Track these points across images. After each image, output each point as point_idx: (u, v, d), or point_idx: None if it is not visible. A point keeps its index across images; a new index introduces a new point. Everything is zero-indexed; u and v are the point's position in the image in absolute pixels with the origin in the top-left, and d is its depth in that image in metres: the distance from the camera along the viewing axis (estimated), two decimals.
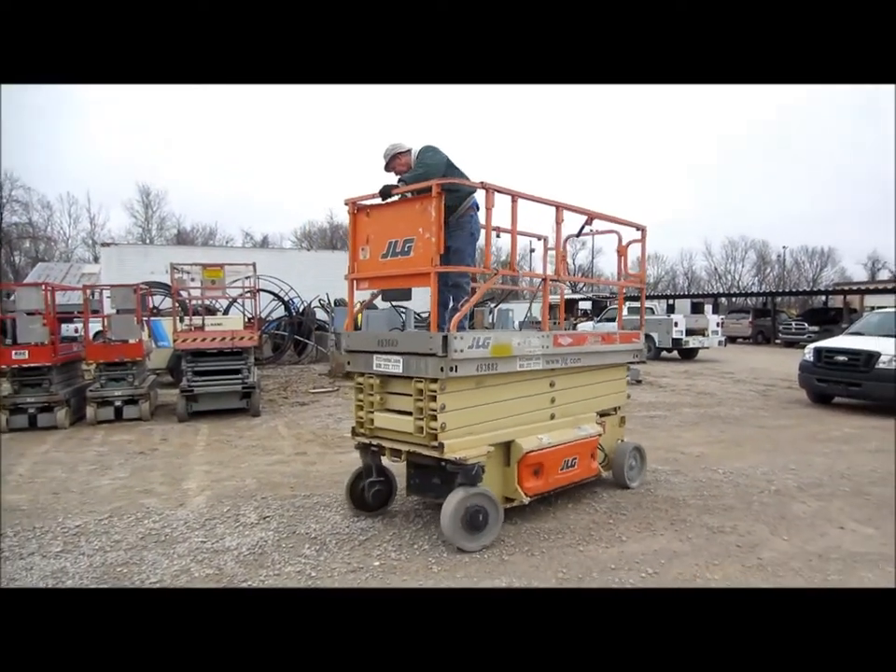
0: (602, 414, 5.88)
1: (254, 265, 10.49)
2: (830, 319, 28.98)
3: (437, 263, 4.22)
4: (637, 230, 6.22)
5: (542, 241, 6.57)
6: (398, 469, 5.22)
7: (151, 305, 14.59)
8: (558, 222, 5.25)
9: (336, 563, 4.17)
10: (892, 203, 74.17)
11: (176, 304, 10.74)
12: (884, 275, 64.50)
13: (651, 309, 23.15)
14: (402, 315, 17.90)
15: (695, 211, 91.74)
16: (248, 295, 11.34)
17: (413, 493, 5.03)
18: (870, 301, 42.36)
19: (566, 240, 6.07)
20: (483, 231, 4.90)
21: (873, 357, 10.44)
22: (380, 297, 5.31)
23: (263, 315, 17.72)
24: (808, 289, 50.02)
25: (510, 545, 4.44)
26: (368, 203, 4.84)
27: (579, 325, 23.74)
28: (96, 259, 41.34)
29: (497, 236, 5.21)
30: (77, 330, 16.73)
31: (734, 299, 50.22)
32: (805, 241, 77.70)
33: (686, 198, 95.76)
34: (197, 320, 11.22)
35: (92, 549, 4.47)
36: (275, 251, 33.60)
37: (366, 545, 4.48)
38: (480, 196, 4.76)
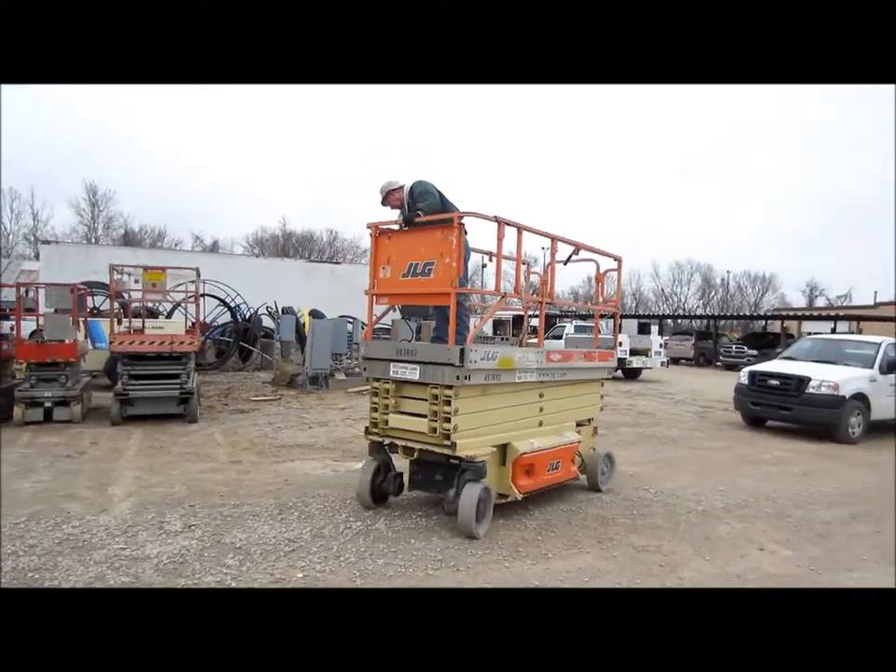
0: (579, 424, 6.52)
1: (197, 269, 10.29)
2: (768, 343, 30.08)
3: (456, 285, 4.83)
4: (615, 260, 6.82)
5: (526, 265, 7.16)
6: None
7: (91, 306, 14.14)
8: (553, 252, 5.89)
9: (258, 573, 4.09)
10: (829, 231, 77.76)
11: (115, 306, 10.43)
12: (821, 302, 67.42)
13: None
14: (350, 323, 17.76)
15: (644, 232, 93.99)
16: (191, 299, 11.11)
17: (416, 488, 5.52)
18: (807, 326, 44.31)
19: (550, 266, 6.51)
20: (472, 256, 5.73)
21: (803, 381, 10.86)
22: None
23: (208, 321, 17.37)
24: (749, 314, 51.90)
25: (436, 560, 4.43)
26: (388, 227, 5.51)
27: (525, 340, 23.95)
28: (38, 257, 39.87)
29: (491, 259, 5.67)
30: (12, 328, 16.08)
31: (678, 320, 51.61)
32: (747, 266, 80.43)
33: (636, 218, 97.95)
34: (137, 323, 10.93)
35: (4, 553, 4.28)
36: (224, 256, 33.14)
37: (291, 556, 4.40)
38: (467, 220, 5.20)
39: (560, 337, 20.63)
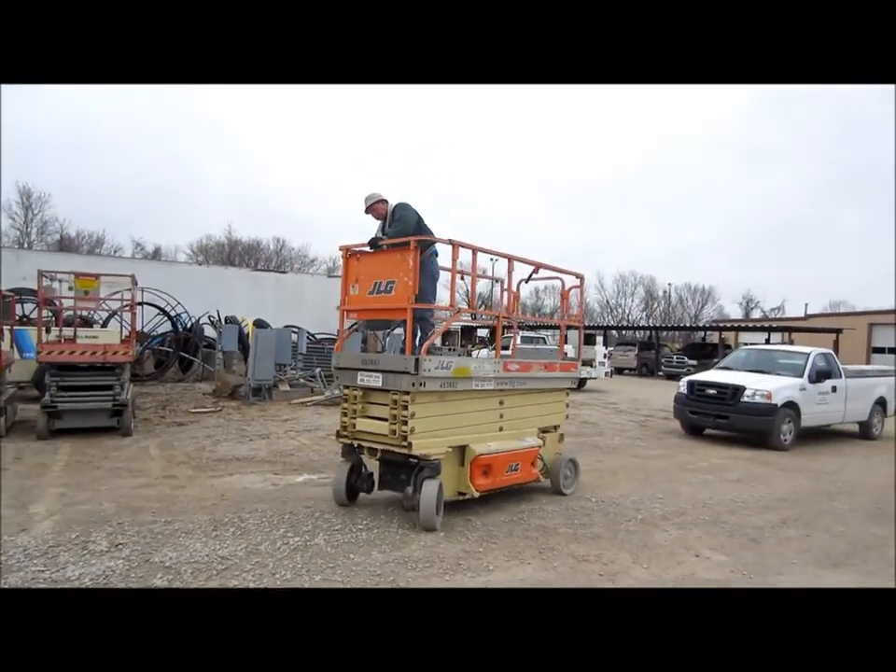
0: (543, 430, 6.92)
1: (133, 277, 9.92)
2: (707, 354, 31.01)
3: (412, 301, 5.37)
4: (576, 277, 7.35)
5: (499, 283, 7.34)
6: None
7: (21, 314, 13.50)
8: (509, 271, 6.41)
9: None
10: (764, 244, 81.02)
11: (43, 314, 9.96)
12: (757, 314, 70.14)
13: (544, 339, 23.88)
14: (295, 333, 17.51)
15: (590, 243, 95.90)
16: (127, 308, 10.71)
17: (384, 487, 5.96)
18: (743, 337, 46.00)
19: (518, 283, 7.15)
20: (442, 274, 6.19)
21: (738, 390, 11.21)
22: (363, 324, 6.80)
23: (147, 330, 16.81)
24: (689, 325, 53.53)
25: (375, 575, 4.34)
26: (358, 249, 6.04)
27: (474, 351, 24.06)
28: None
29: (462, 278, 6.12)
30: None
31: (622, 331, 52.81)
32: (688, 278, 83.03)
33: (582, 230, 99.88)
34: (69, 332, 10.46)
35: None
36: (165, 264, 32.14)
37: (224, 574, 4.24)
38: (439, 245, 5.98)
39: (506, 348, 20.72)
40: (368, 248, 6.01)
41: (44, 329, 9.56)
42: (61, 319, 10.92)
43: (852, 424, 12.97)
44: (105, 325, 15.19)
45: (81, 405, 9.05)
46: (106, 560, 4.42)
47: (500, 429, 6.28)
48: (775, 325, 38.12)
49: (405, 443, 5.24)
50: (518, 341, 23.22)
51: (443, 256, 6.13)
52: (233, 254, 60.73)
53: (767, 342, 32.26)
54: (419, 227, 6.11)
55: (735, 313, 72.69)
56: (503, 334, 6.74)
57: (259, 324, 17.41)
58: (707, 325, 53.02)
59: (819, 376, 11.83)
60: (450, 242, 5.56)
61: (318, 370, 15.16)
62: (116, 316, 14.28)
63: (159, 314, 17.36)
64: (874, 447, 12.14)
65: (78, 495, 6.12)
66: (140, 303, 11.14)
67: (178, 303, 18.02)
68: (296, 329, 16.58)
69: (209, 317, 18.44)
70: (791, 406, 11.19)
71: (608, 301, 75.84)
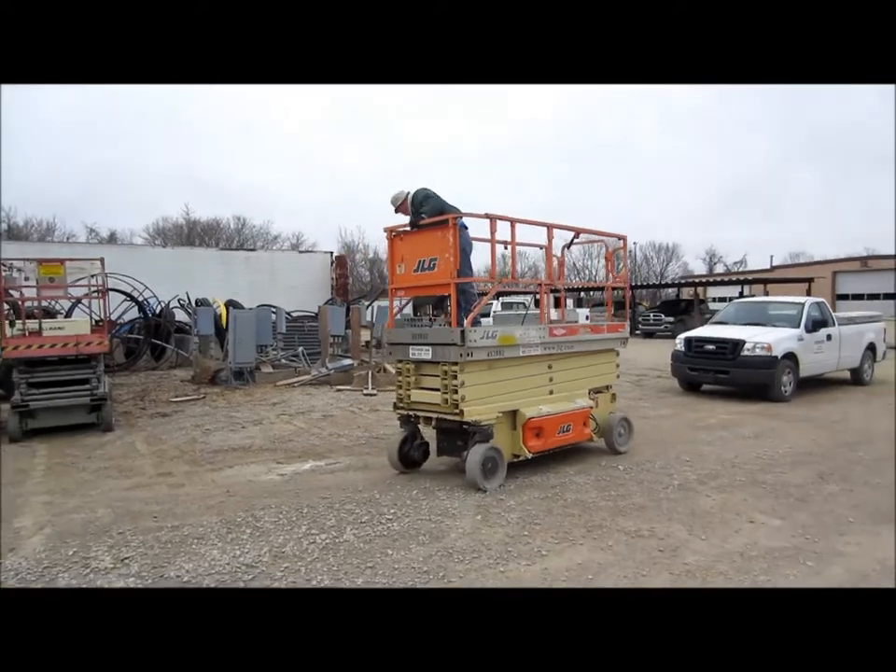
0: (595, 391, 7.10)
1: (102, 260, 9.17)
2: (683, 310, 30.92)
3: (455, 276, 5.62)
4: (619, 239, 7.49)
5: (544, 249, 7.06)
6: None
7: None
8: (549, 238, 6.48)
9: None
10: (722, 209, 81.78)
11: (6, 307, 9.15)
12: (720, 269, 70.93)
13: (524, 304, 23.57)
14: (273, 313, 16.86)
15: (551, 207, 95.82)
16: (95, 295, 9.93)
17: (442, 454, 6.25)
18: (711, 292, 46.39)
19: (562, 249, 7.42)
20: (480, 245, 6.25)
21: (738, 344, 11.00)
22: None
23: (114, 318, 15.91)
24: (657, 283, 53.79)
25: (421, 572, 3.91)
26: (402, 230, 6.32)
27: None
28: None
29: (505, 248, 6.09)
30: None
31: (592, 294, 52.92)
32: (652, 238, 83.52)
33: (545, 193, 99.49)
34: (33, 324, 9.66)
35: None
36: (127, 247, 30.35)
37: (253, 585, 3.76)
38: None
39: (488, 315, 20.33)
40: (409, 228, 6.27)
41: (7, 323, 8.78)
42: (23, 311, 10.08)
43: (844, 371, 12.94)
44: (69, 314, 14.28)
45: (56, 402, 8.36)
46: (114, 578, 3.90)
47: (551, 392, 6.48)
48: (750, 278, 38.32)
49: (457, 411, 5.50)
50: (498, 307, 22.99)
51: (475, 230, 6.27)
52: (193, 234, 58.68)
53: (741, 295, 32.44)
54: (446, 205, 6.35)
55: (698, 269, 73.46)
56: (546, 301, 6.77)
57: (233, 304, 16.63)
58: (676, 281, 53.39)
59: (816, 325, 11.72)
60: (486, 216, 5.69)
61: (301, 348, 14.54)
62: (81, 305, 13.42)
63: (125, 300, 16.42)
64: (867, 392, 12.16)
65: (67, 502, 5.54)
66: (108, 290, 10.34)
67: (146, 288, 17.09)
68: (274, 309, 15.87)
69: (179, 301, 17.56)
70: (791, 357, 11.05)
71: (574, 264, 75.85)
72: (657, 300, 49.34)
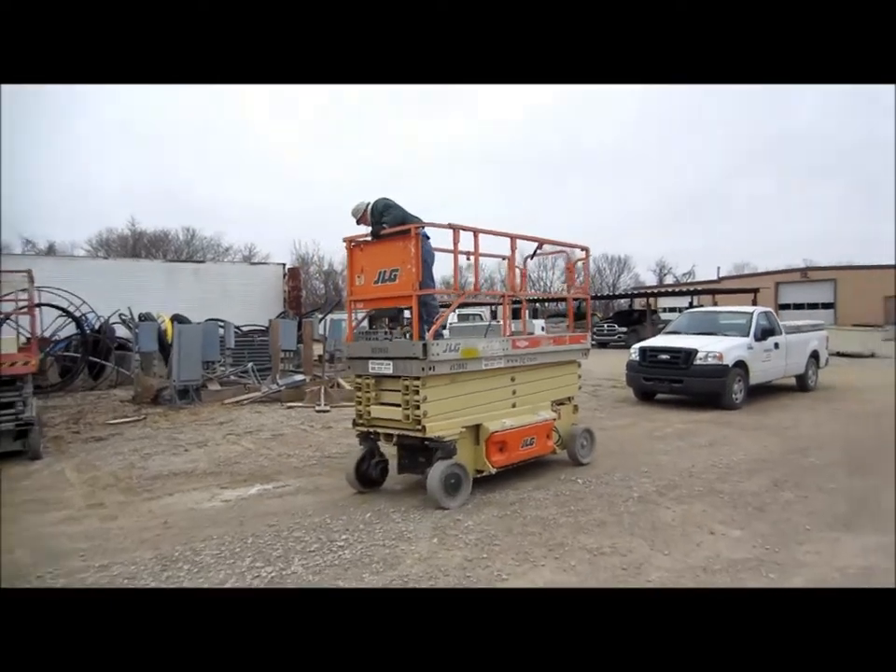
0: (558, 403, 7.04)
1: (29, 272, 8.61)
2: (635, 320, 31.44)
3: (417, 288, 5.46)
4: (582, 250, 7.51)
5: (506, 260, 6.93)
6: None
7: None
8: (512, 249, 6.44)
9: None
10: (672, 219, 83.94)
11: None
12: (669, 279, 72.61)
13: (480, 315, 23.52)
14: (221, 327, 16.21)
15: (509, 218, 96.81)
16: (24, 310, 9.34)
17: (403, 471, 6.04)
18: (662, 302, 47.37)
19: (525, 260, 7.48)
20: (442, 257, 6.14)
21: (691, 354, 11.09)
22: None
23: (48, 335, 15.10)
24: (610, 294, 54.62)
25: None
26: (361, 240, 6.11)
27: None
28: None
29: (468, 259, 6.07)
30: None
31: (547, 304, 53.42)
32: (604, 249, 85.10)
33: (498, 205, 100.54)
34: None
35: None
36: (65, 259, 28.87)
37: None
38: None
39: (445, 327, 20.16)
40: (370, 238, 6.06)
41: None
42: None
43: (789, 378, 13.23)
44: None
45: None
46: None
47: (513, 406, 6.36)
48: (700, 288, 39.27)
49: (419, 427, 5.33)
50: (454, 319, 22.80)
51: (437, 240, 6.11)
52: (139, 246, 56.91)
53: (691, 305, 33.15)
54: (407, 215, 6.15)
55: (649, 279, 75.03)
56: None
57: (179, 319, 15.99)
58: (628, 292, 54.33)
59: (764, 334, 11.95)
60: (450, 226, 5.55)
61: (251, 364, 14.05)
62: (9, 321, 12.68)
63: (61, 315, 15.59)
64: (812, 398, 12.45)
65: None
66: (38, 305, 9.76)
67: (83, 302, 16.28)
68: (222, 323, 15.32)
69: (120, 316, 16.75)
70: (741, 365, 11.21)
71: (529, 276, 76.53)
72: (610, 310, 50.12)
